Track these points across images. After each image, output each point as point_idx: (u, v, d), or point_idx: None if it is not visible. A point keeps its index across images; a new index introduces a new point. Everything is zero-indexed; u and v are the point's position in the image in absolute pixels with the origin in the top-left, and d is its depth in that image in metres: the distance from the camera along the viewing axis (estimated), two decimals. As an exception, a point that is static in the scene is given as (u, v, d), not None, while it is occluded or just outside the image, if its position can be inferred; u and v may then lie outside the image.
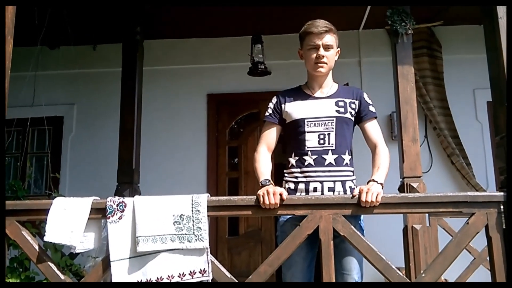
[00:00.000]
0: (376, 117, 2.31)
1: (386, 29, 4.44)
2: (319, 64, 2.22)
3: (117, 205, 1.98)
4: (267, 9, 4.14)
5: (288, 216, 2.16)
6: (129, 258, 1.94)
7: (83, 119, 4.95)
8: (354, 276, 2.14)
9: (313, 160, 2.17)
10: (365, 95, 2.32)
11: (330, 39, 2.22)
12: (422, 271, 2.18)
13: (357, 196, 1.97)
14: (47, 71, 4.75)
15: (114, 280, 1.91)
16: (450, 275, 3.40)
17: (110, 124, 4.33)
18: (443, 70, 4.70)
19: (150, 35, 4.25)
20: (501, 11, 2.11)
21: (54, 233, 1.95)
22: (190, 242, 1.92)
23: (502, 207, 1.95)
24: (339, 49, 2.30)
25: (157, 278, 1.91)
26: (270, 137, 2.30)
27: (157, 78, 4.86)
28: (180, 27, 4.74)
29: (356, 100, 2.28)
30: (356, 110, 2.27)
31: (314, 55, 2.22)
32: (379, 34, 4.77)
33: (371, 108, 2.29)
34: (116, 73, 3.93)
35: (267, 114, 2.32)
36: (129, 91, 3.75)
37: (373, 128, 2.27)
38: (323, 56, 2.21)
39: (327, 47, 2.22)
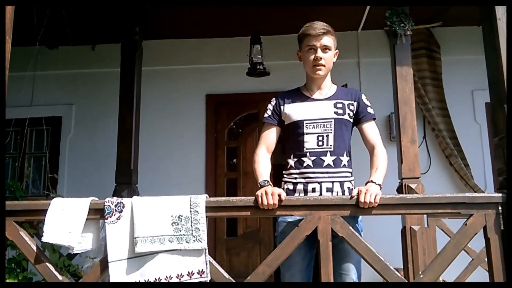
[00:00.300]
0: (374, 119, 2.31)
1: (385, 30, 4.45)
2: (317, 66, 2.22)
3: (115, 206, 1.98)
4: (267, 9, 4.14)
5: (287, 217, 2.16)
6: (127, 259, 1.93)
7: (81, 119, 4.95)
8: (352, 276, 2.14)
9: (312, 161, 2.18)
10: (363, 97, 2.32)
11: (328, 40, 2.21)
12: (420, 272, 2.18)
13: (355, 197, 1.97)
14: (45, 71, 4.74)
15: (112, 280, 1.91)
16: (449, 276, 3.39)
17: (108, 125, 4.32)
18: (442, 71, 4.70)
19: (149, 35, 4.24)
20: (500, 12, 2.11)
21: (52, 233, 1.95)
22: (188, 243, 1.92)
23: (500, 208, 1.96)
24: (337, 50, 2.30)
25: (155, 279, 1.91)
26: (269, 138, 2.29)
27: (156, 78, 4.85)
28: (179, 27, 4.74)
29: (354, 101, 2.28)
30: (355, 111, 2.27)
31: (312, 57, 2.21)
32: (378, 35, 4.78)
33: (370, 110, 2.29)
34: (115, 73, 3.92)
35: (266, 115, 2.32)
36: (128, 91, 3.74)
37: (371, 130, 2.27)
38: (321, 58, 2.21)
39: (325, 49, 2.22)
